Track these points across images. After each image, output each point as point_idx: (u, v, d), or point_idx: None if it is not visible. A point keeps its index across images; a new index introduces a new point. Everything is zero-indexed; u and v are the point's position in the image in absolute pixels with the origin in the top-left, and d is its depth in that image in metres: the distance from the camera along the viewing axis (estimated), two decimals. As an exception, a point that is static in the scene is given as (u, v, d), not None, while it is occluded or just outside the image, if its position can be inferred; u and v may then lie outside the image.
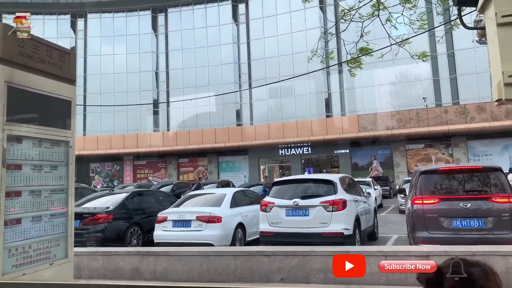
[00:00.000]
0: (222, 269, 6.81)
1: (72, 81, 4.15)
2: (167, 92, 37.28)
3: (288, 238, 7.07)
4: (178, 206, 9.10)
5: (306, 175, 10.96)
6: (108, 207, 8.88)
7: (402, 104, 29.89)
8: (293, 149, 32.04)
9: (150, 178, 35.17)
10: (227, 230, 8.11)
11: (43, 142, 3.74)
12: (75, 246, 8.61)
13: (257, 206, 9.80)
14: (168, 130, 36.33)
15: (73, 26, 39.03)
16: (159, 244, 8.16)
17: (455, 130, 26.04)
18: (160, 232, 8.26)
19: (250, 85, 35.28)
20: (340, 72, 32.33)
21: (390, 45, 7.40)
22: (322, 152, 32.12)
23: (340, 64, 31.90)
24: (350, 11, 6.89)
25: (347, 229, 6.97)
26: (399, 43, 8.01)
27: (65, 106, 4.02)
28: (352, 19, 7.05)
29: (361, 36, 7.24)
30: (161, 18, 38.77)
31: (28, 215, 3.53)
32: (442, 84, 29.77)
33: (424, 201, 6.64)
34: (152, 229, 9.72)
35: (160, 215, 8.42)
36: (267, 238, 7.36)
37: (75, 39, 38.82)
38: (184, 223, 8.07)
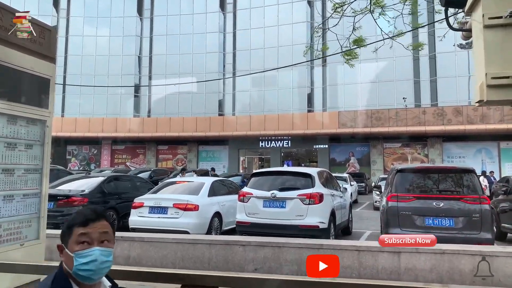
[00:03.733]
0: (196, 257, 6.81)
1: (52, 58, 4.03)
2: (149, 78, 36.73)
3: (264, 229, 7.12)
4: (155, 192, 9.02)
5: (285, 168, 11.03)
6: (84, 190, 8.74)
7: (382, 103, 30.31)
8: (273, 142, 32.12)
9: (128, 163, 34.70)
10: (204, 218, 8.10)
11: (18, 120, 3.63)
12: (48, 228, 8.47)
13: (235, 196, 9.82)
14: (148, 116, 35.87)
15: (55, 4, 37.84)
16: (134, 230, 8.09)
17: (432, 131, 26.62)
18: (135, 218, 8.18)
19: (234, 75, 35.09)
20: (323, 67, 32.51)
21: (384, 39, 7.45)
22: (301, 146, 32.35)
23: (324, 59, 32.09)
24: (342, 6, 6.89)
25: (323, 222, 7.06)
26: (392, 37, 8.07)
27: (44, 84, 3.90)
28: (344, 14, 7.07)
29: (354, 29, 7.27)
30: (147, 2, 38.00)
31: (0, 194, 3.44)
32: (422, 86, 30.32)
33: (399, 199, 6.78)
34: (128, 214, 9.62)
35: (137, 200, 8.34)
36: (243, 228, 7.39)
37: (57, 17, 37.67)
38: (160, 209, 8.02)
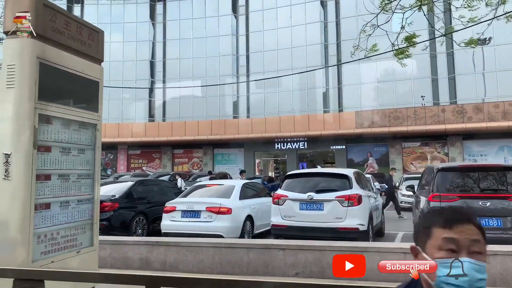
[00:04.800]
0: (234, 262, 6.68)
1: (100, 61, 3.95)
2: (163, 82, 36.84)
3: (301, 232, 6.96)
4: (185, 196, 8.93)
5: (319, 169, 10.83)
6: (114, 195, 8.68)
7: (399, 102, 29.92)
8: (289, 144, 31.92)
9: (144, 168, 34.81)
10: (237, 222, 7.98)
11: (72, 124, 3.55)
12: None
13: (264, 199, 9.70)
14: (163, 120, 35.96)
15: (69, 11, 38.24)
16: (167, 234, 7.99)
17: (452, 129, 26.16)
18: (168, 222, 8.09)
19: (247, 77, 35.02)
20: (338, 67, 32.24)
21: (436, 37, 7.25)
22: (318, 147, 32.08)
23: (339, 59, 31.84)
24: (391, 2, 6.72)
25: (362, 224, 6.88)
26: (446, 35, 7.89)
27: (94, 87, 3.82)
28: (394, 10, 6.89)
29: (402, 27, 7.09)
30: (159, 7, 38.19)
31: (57, 200, 3.35)
32: (440, 83, 29.86)
33: (442, 199, 6.56)
34: (157, 218, 9.56)
35: (168, 205, 8.25)
36: (279, 232, 7.23)
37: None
38: (193, 213, 7.91)
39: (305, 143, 31.52)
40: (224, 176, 22.50)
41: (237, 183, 9.06)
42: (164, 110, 36.61)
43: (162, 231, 8.16)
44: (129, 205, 8.81)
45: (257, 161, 33.93)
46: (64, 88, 3.48)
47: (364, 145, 30.15)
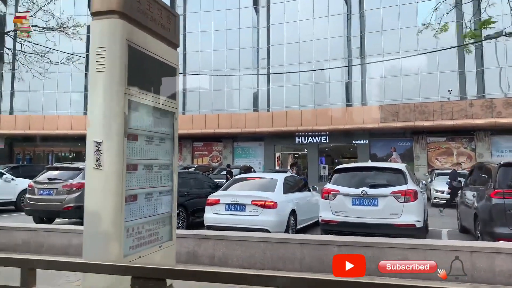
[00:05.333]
0: (287, 257, 6.48)
1: (176, 46, 3.74)
2: (183, 75, 36.71)
3: (354, 228, 6.72)
4: (226, 189, 8.76)
5: (370, 163, 10.58)
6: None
7: (424, 96, 29.27)
8: (310, 138, 31.57)
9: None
10: (283, 216, 7.77)
11: (154, 112, 3.36)
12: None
13: (304, 193, 9.48)
14: (183, 113, 35.87)
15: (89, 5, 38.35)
16: (210, 228, 7.84)
17: (481, 124, 25.48)
18: (211, 215, 7.93)
19: (268, 70, 34.68)
20: (362, 59, 31.69)
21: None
22: (340, 141, 31.66)
23: (362, 51, 31.25)
24: None
25: (419, 221, 6.60)
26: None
27: (172, 73, 3.62)
28: None
29: (480, 10, 6.73)
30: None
31: (142, 191, 3.17)
32: (468, 77, 29.09)
33: (506, 195, 6.24)
34: (196, 211, 9.41)
35: (212, 197, 8.08)
36: (329, 227, 7.01)
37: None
38: (238, 207, 7.73)
39: (327, 137, 31.13)
40: (248, 169, 22.37)
41: (279, 176, 8.84)
42: (184, 102, 36.53)
43: (206, 224, 8.01)
44: (170, 197, 8.67)
45: (277, 155, 33.68)
46: (148, 74, 3.28)
47: (388, 139, 29.63)
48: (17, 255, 2.04)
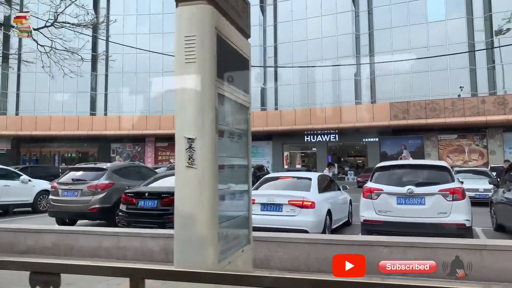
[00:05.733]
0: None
1: (248, 36, 3.51)
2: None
3: (400, 228, 6.49)
4: (257, 189, 8.53)
5: (411, 161, 10.23)
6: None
7: (434, 93, 29.04)
8: (319, 136, 31.39)
9: (171, 160, 34.63)
10: (320, 216, 7.55)
11: (234, 106, 3.14)
12: (154, 227, 8.07)
13: (336, 193, 9.26)
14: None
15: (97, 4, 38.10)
16: (245, 229, 7.60)
17: (494, 121, 25.25)
18: (246, 216, 7.69)
19: (275, 68, 34.45)
20: (371, 57, 31.46)
21: None
22: (349, 140, 31.47)
23: (372, 48, 31.01)
24: None
25: (468, 220, 6.39)
26: None
27: (246, 65, 3.39)
28: None
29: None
30: None
31: (228, 192, 2.95)
32: (479, 74, 28.85)
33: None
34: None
35: (246, 198, 7.85)
36: (373, 227, 6.78)
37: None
38: (274, 207, 7.51)
39: (336, 135, 30.94)
40: (261, 168, 22.13)
41: (313, 175, 8.62)
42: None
43: (240, 225, 7.78)
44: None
45: (285, 153, 33.48)
46: (229, 65, 3.05)
47: (398, 137, 29.42)
48: (124, 263, 1.82)
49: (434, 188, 6.45)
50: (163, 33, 36.66)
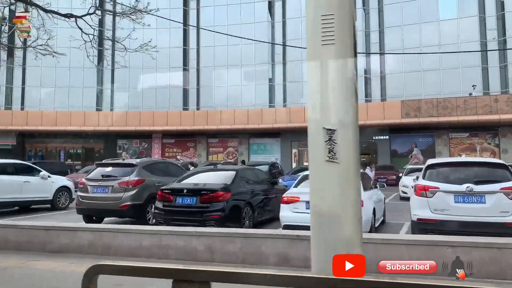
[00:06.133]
0: (395, 260, 6.04)
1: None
2: (197, 70, 36.15)
3: (458, 227, 6.25)
4: (296, 186, 8.28)
5: (466, 158, 9.96)
6: (226, 184, 8.06)
7: (446, 92, 28.83)
8: (329, 134, 31.11)
9: (178, 157, 34.35)
10: (368, 215, 7.31)
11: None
12: (191, 225, 7.77)
13: (374, 191, 9.00)
14: (198, 109, 35.36)
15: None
16: (288, 227, 7.37)
17: (507, 119, 25.07)
18: (290, 214, 7.45)
19: (284, 65, 34.15)
20: (380, 55, 31.21)
21: None
22: (359, 137, 31.11)
23: (382, 46, 30.70)
24: None
25: (532, 219, 6.14)
26: None
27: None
28: None
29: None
30: None
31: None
32: (491, 72, 28.66)
33: None
34: (258, 208, 8.95)
35: (290, 195, 7.60)
36: (428, 226, 6.53)
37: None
38: (320, 205, 7.24)
39: (346, 133, 30.67)
40: (275, 165, 21.88)
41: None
42: (198, 98, 35.98)
43: (283, 223, 7.53)
44: (239, 194, 8.19)
45: (293, 151, 33.23)
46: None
47: (409, 135, 29.22)
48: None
49: (496, 186, 6.20)
50: (169, 28, 36.25)
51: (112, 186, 8.95)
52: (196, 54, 36.19)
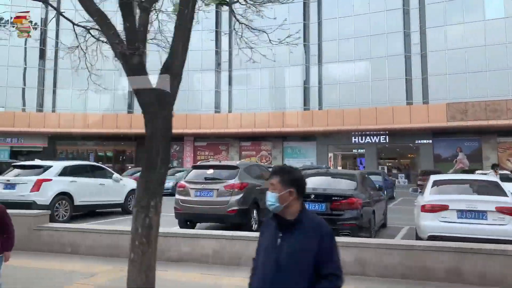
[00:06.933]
0: None
1: None
2: (230, 72, 35.52)
3: None
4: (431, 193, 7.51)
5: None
6: (354, 189, 7.32)
7: (492, 94, 27.81)
8: (368, 137, 30.33)
9: (211, 160, 33.73)
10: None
11: None
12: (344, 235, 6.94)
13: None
14: (229, 112, 34.70)
15: None
16: (435, 238, 6.59)
17: None
18: (437, 224, 6.67)
19: (320, 66, 33.41)
20: (423, 56, 30.34)
21: None
22: (400, 141, 30.35)
23: (423, 47, 29.88)
24: None
25: None
26: None
27: None
28: None
29: None
30: None
31: None
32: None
33: None
34: (378, 216, 8.21)
35: (434, 203, 6.83)
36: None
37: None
38: (476, 214, 6.48)
39: (386, 137, 29.87)
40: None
41: (493, 177, 7.59)
42: (230, 102, 35.32)
43: (428, 234, 6.75)
44: (367, 201, 7.45)
45: (329, 155, 32.43)
46: None
47: (454, 139, 28.30)
48: None
49: None
50: (201, 31, 35.70)
51: (218, 189, 8.25)
52: (228, 57, 35.51)
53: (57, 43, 35.04)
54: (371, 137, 30.06)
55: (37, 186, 9.25)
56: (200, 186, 8.40)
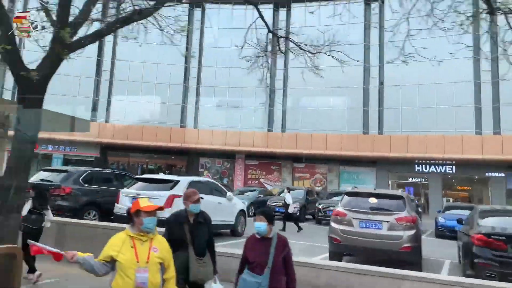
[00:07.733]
0: None
1: None
2: (284, 92, 34.80)
3: None
4: None
5: None
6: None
7: None
8: (433, 166, 28.81)
9: (261, 180, 32.75)
10: None
11: None
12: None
13: None
14: (283, 131, 33.80)
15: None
16: None
17: None
18: None
19: (381, 90, 32.34)
20: (493, 84, 28.90)
21: None
22: (468, 173, 28.69)
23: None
24: None
25: None
26: None
27: None
28: None
29: None
30: (198, 13, 36.00)
31: None
32: None
33: None
34: None
35: None
36: None
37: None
38: None
39: (453, 167, 28.29)
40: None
41: None
42: (283, 120, 34.45)
43: None
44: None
45: (389, 182, 30.94)
46: None
47: (529, 174, 26.53)
48: None
49: None
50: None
51: (388, 221, 7.18)
52: (283, 78, 34.82)
53: (114, 53, 35.20)
54: (436, 166, 28.56)
55: (169, 202, 8.40)
56: (366, 217, 7.34)
